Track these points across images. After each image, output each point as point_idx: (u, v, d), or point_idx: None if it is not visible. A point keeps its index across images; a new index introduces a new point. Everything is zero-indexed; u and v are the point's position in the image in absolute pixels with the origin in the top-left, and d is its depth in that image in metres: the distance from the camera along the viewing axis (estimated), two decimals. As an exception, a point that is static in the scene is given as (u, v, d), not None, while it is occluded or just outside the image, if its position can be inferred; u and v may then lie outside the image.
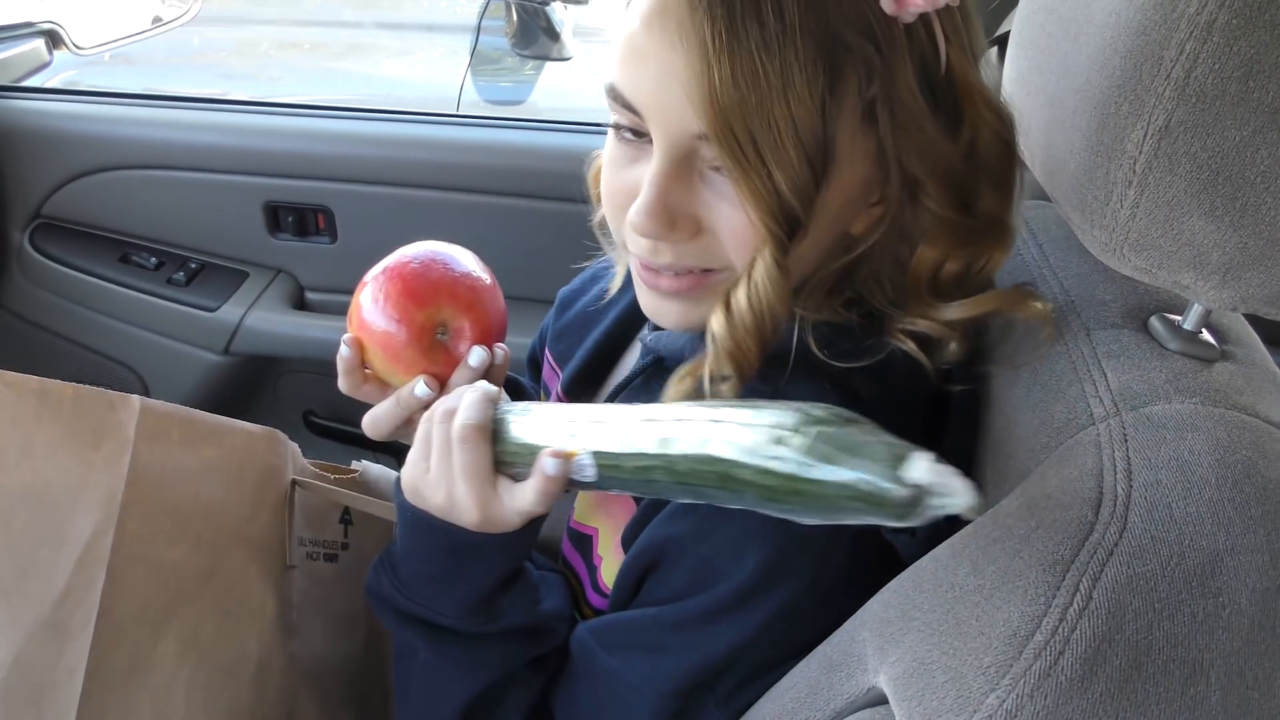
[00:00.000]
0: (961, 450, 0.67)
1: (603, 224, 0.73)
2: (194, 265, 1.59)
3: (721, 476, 0.52)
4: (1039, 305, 0.65)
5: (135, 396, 0.71)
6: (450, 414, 0.66)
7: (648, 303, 0.70)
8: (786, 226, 0.59)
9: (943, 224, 0.63)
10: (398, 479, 0.70)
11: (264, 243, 1.57)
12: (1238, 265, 0.52)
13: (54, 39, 1.61)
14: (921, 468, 0.44)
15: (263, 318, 1.55)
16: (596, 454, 0.60)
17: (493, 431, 0.65)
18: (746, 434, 0.51)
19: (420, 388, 0.73)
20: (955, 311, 0.65)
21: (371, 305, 0.73)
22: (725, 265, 0.65)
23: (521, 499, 0.64)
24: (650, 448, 0.56)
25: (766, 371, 0.64)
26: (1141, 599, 0.45)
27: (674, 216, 0.62)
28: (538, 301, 1.38)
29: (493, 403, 0.67)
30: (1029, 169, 0.67)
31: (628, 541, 0.69)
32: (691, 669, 0.64)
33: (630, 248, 0.67)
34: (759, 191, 0.58)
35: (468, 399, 0.66)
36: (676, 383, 0.66)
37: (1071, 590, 0.46)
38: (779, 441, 0.49)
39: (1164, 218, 0.52)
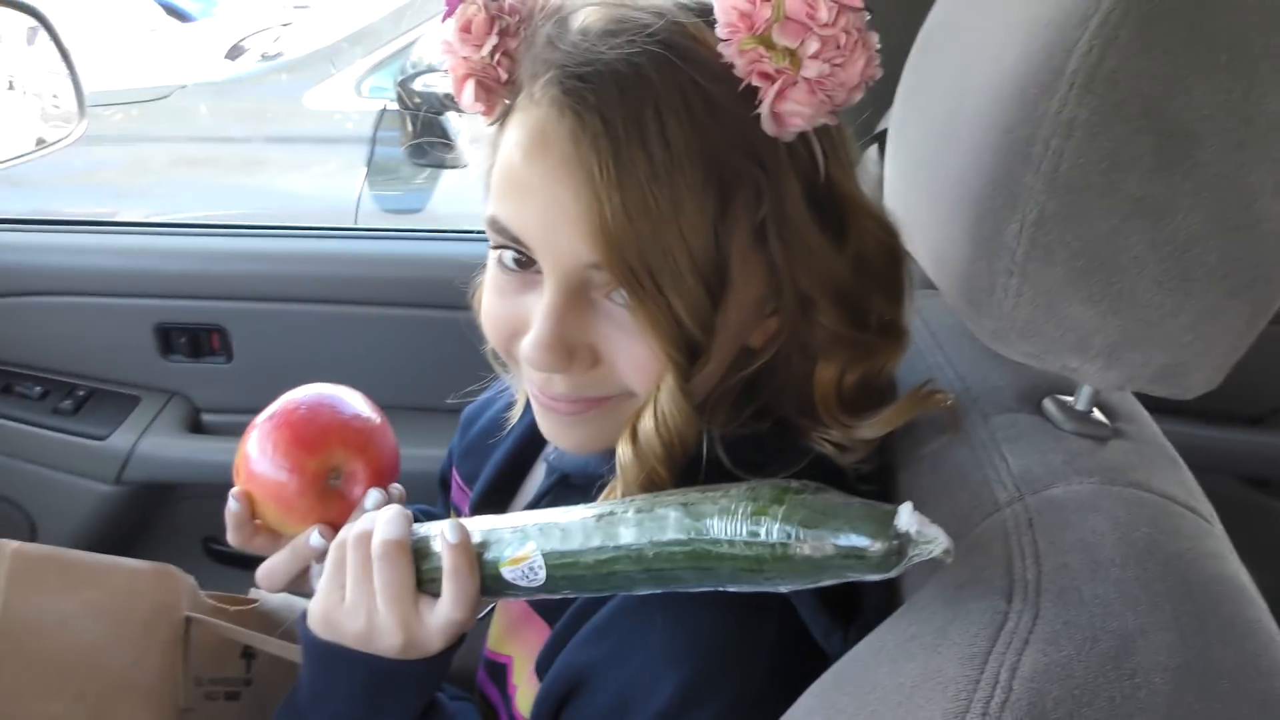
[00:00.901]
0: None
1: (494, 351, 0.71)
2: (81, 393, 1.53)
3: (696, 556, 0.53)
4: (942, 399, 0.66)
5: (5, 541, 0.67)
6: (365, 536, 0.64)
7: (547, 428, 0.68)
8: (688, 353, 0.59)
9: (838, 339, 0.63)
10: (302, 614, 0.68)
11: (156, 365, 1.52)
12: (1119, 347, 0.54)
13: (-70, 163, 1.56)
14: (908, 518, 0.48)
15: (156, 443, 1.49)
16: (549, 554, 0.59)
17: (414, 551, 0.64)
18: (723, 511, 0.53)
19: (315, 538, 0.70)
20: (870, 430, 0.64)
21: (260, 455, 0.72)
22: (624, 391, 0.63)
23: (442, 610, 0.62)
24: (611, 540, 0.56)
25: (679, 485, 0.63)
26: (1060, 687, 0.45)
27: (571, 348, 0.61)
28: (445, 412, 1.36)
29: (409, 521, 0.65)
30: (916, 261, 0.69)
31: (542, 668, 0.67)
32: None
33: (525, 376, 0.66)
34: (658, 319, 0.57)
35: (384, 517, 0.65)
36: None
37: (991, 683, 0.45)
38: (759, 514, 0.51)
39: (1046, 305, 0.54)
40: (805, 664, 0.59)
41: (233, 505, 0.73)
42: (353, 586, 0.64)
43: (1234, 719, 0.46)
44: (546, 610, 0.70)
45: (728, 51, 0.56)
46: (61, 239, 1.55)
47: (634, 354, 0.60)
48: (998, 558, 0.52)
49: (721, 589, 0.55)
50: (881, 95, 0.98)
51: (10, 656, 0.65)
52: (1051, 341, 0.55)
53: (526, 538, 0.60)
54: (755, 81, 0.56)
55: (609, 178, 0.55)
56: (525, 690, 0.70)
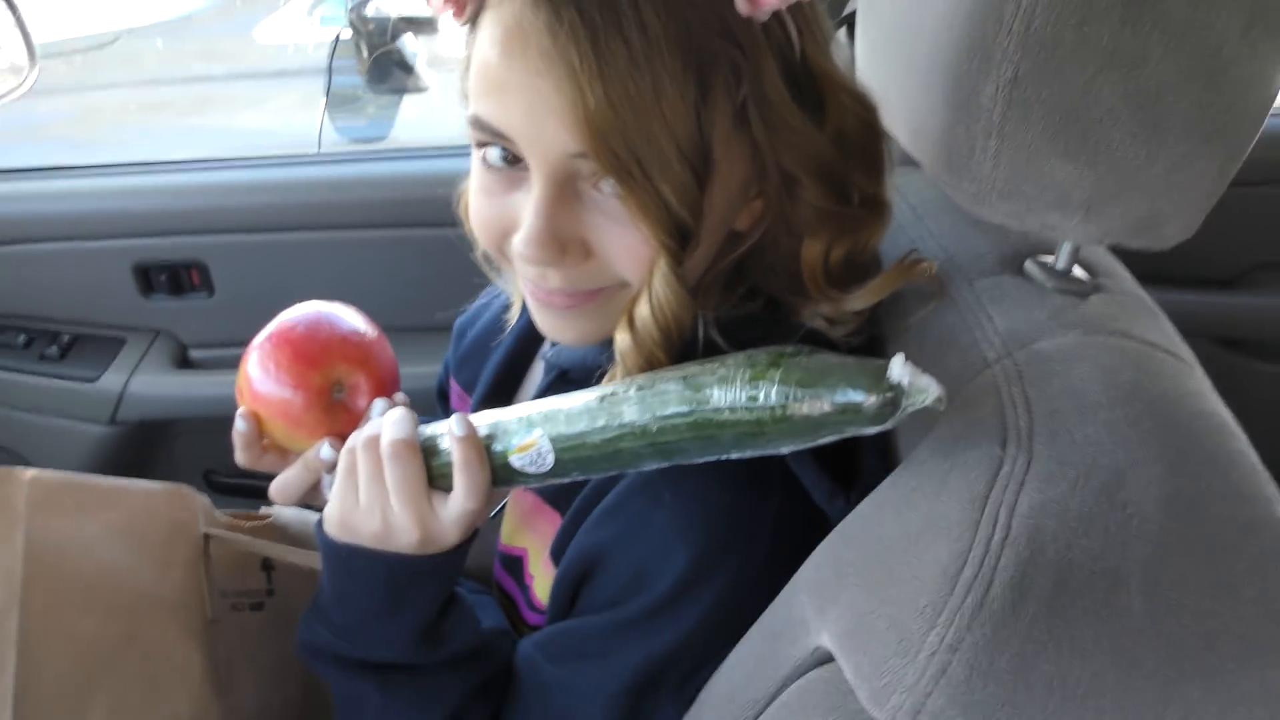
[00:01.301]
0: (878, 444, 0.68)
1: (486, 254, 0.72)
2: (66, 338, 1.53)
3: (698, 426, 0.55)
4: (927, 267, 0.67)
5: (21, 468, 0.69)
6: (374, 440, 0.66)
7: (544, 322, 0.69)
8: (679, 237, 0.60)
9: (822, 215, 0.64)
10: (318, 522, 0.69)
11: (138, 305, 1.52)
12: (1098, 200, 0.55)
13: (-118, 122, 1.53)
14: (900, 370, 0.50)
15: (147, 382, 1.50)
16: (555, 438, 0.61)
17: (422, 450, 0.65)
18: (722, 380, 0.54)
19: (325, 450, 0.72)
20: (858, 301, 0.66)
21: (263, 375, 0.72)
22: (618, 281, 0.65)
23: (455, 503, 0.64)
24: (615, 419, 0.58)
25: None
26: (1056, 521, 0.47)
27: (563, 242, 0.62)
28: (435, 330, 1.37)
29: (415, 421, 0.67)
30: (894, 139, 0.70)
31: (557, 554, 0.70)
32: (637, 668, 0.65)
33: (519, 273, 0.67)
34: (648, 206, 0.58)
35: (391, 418, 0.66)
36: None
37: (991, 522, 0.48)
38: (757, 379, 0.53)
39: (1024, 163, 0.55)
40: (810, 532, 0.62)
41: (240, 425, 0.73)
42: (366, 488, 0.65)
43: (1222, 542, 0.49)
44: (556, 499, 0.73)
45: None
46: (32, 185, 1.53)
47: (625, 242, 0.61)
48: (991, 410, 0.54)
49: (725, 456, 0.57)
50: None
51: (40, 577, 0.67)
52: (1031, 200, 0.56)
53: (532, 425, 0.62)
54: None
55: (590, 68, 0.55)
56: (542, 578, 0.73)
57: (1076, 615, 0.46)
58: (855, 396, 0.51)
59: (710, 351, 0.64)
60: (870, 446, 0.67)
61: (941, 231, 0.73)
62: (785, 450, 0.55)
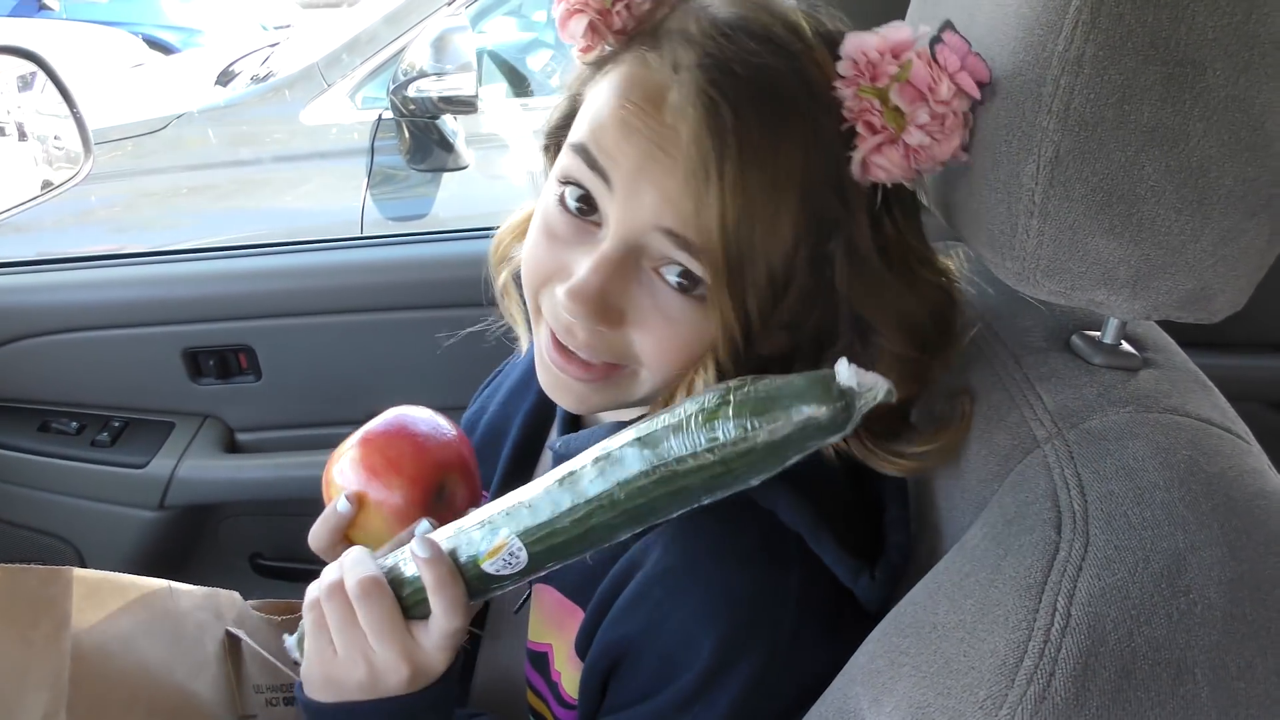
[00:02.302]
0: (896, 484, 0.69)
1: (505, 290, 0.73)
2: (117, 424, 1.56)
3: (665, 481, 0.55)
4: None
5: (66, 569, 0.69)
6: (338, 585, 0.64)
7: (547, 379, 0.69)
8: (742, 338, 0.62)
9: (897, 362, 0.64)
10: (298, 686, 0.68)
11: (187, 390, 1.55)
12: (1144, 276, 0.55)
13: (-55, 215, 1.58)
14: (846, 372, 0.51)
15: (195, 466, 1.52)
16: (524, 533, 0.60)
17: (390, 583, 0.64)
18: (676, 429, 0.54)
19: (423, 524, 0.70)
20: (908, 463, 0.64)
21: (367, 474, 0.72)
22: (635, 364, 0.65)
23: (436, 628, 0.62)
24: (580, 496, 0.58)
25: None
26: (1117, 608, 0.46)
27: (605, 305, 0.62)
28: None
29: (371, 556, 0.66)
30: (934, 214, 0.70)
31: (582, 649, 0.69)
32: None
33: (546, 317, 0.67)
34: (729, 308, 0.60)
35: (348, 561, 0.65)
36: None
37: (1050, 610, 0.47)
38: (710, 419, 0.53)
39: (1069, 241, 0.55)
40: (835, 604, 0.62)
41: (342, 507, 0.72)
42: (341, 637, 0.63)
43: (1289, 627, 0.47)
44: (576, 593, 0.72)
45: (844, 91, 0.59)
46: (83, 274, 1.57)
47: (661, 333, 0.63)
48: (1043, 492, 0.53)
49: (698, 504, 0.56)
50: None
51: (85, 678, 0.67)
52: (1077, 277, 0.56)
53: (496, 527, 0.61)
54: (860, 128, 0.59)
55: (727, 178, 0.58)
56: (569, 674, 0.72)
57: (1142, 707, 0.45)
58: (810, 410, 0.51)
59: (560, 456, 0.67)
60: (895, 523, 0.67)
61: (985, 307, 0.72)
62: (755, 481, 0.54)
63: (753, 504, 0.63)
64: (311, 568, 0.75)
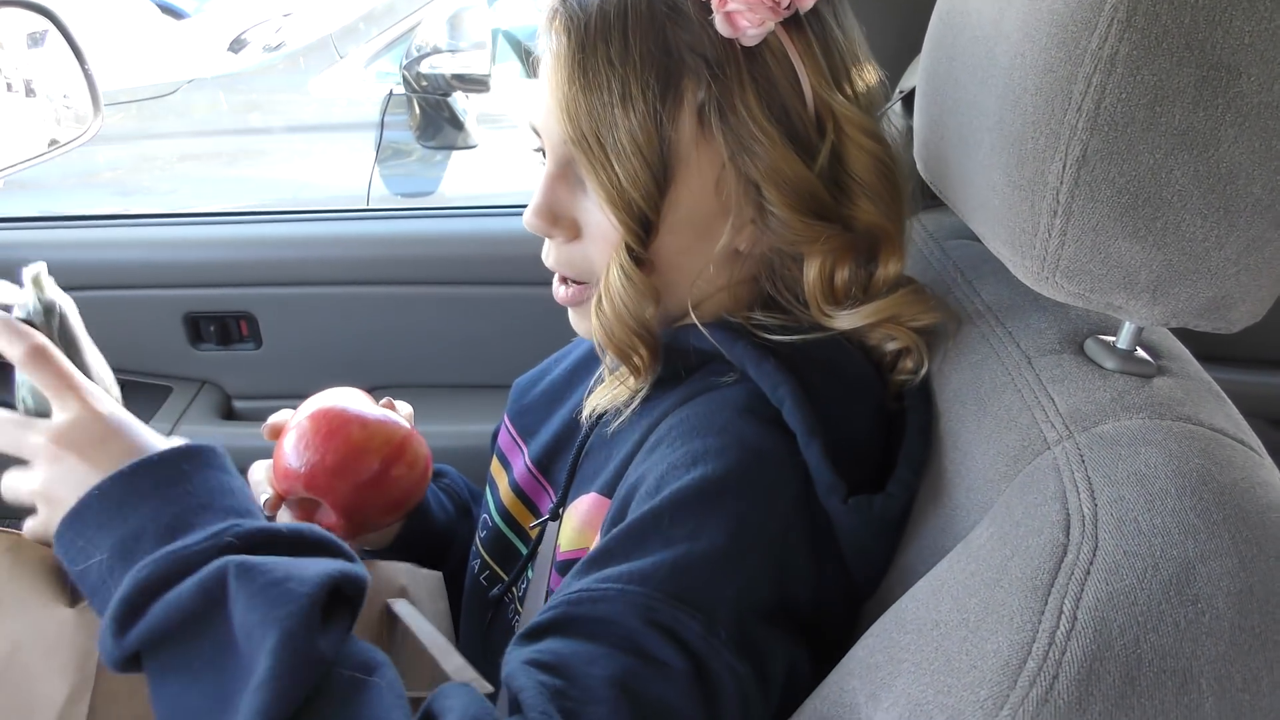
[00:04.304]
0: (915, 461, 0.69)
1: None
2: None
3: None
4: (929, 306, 0.72)
5: None
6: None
7: (570, 320, 0.78)
8: (637, 223, 0.68)
9: (812, 235, 0.69)
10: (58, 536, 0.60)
11: (186, 355, 1.54)
12: (1165, 282, 0.54)
13: (-50, 169, 1.57)
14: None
15: (191, 432, 1.51)
16: None
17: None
18: None
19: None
20: (845, 320, 0.71)
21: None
22: (595, 277, 0.72)
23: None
24: None
25: (701, 366, 0.73)
26: (1124, 614, 0.45)
27: (556, 215, 0.72)
28: (477, 387, 1.37)
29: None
30: (956, 212, 0.70)
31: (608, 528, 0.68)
32: (662, 578, 0.58)
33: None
34: (606, 185, 0.67)
35: None
36: (601, 390, 0.76)
37: (1056, 613, 0.46)
38: None
39: (1091, 243, 0.54)
40: (820, 526, 0.65)
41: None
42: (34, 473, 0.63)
43: (1297, 640, 0.47)
44: (608, 489, 0.73)
45: None
46: (86, 234, 1.57)
47: (599, 225, 0.70)
48: (1052, 494, 0.53)
49: None
50: (904, 53, 0.98)
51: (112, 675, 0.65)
52: (1097, 279, 0.55)
53: None
54: None
55: (577, 64, 0.66)
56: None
57: (1145, 714, 0.45)
58: None
59: (703, 360, 0.72)
60: (906, 461, 0.69)
61: (999, 305, 0.72)
62: None
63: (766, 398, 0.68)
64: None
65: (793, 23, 0.67)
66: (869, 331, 0.72)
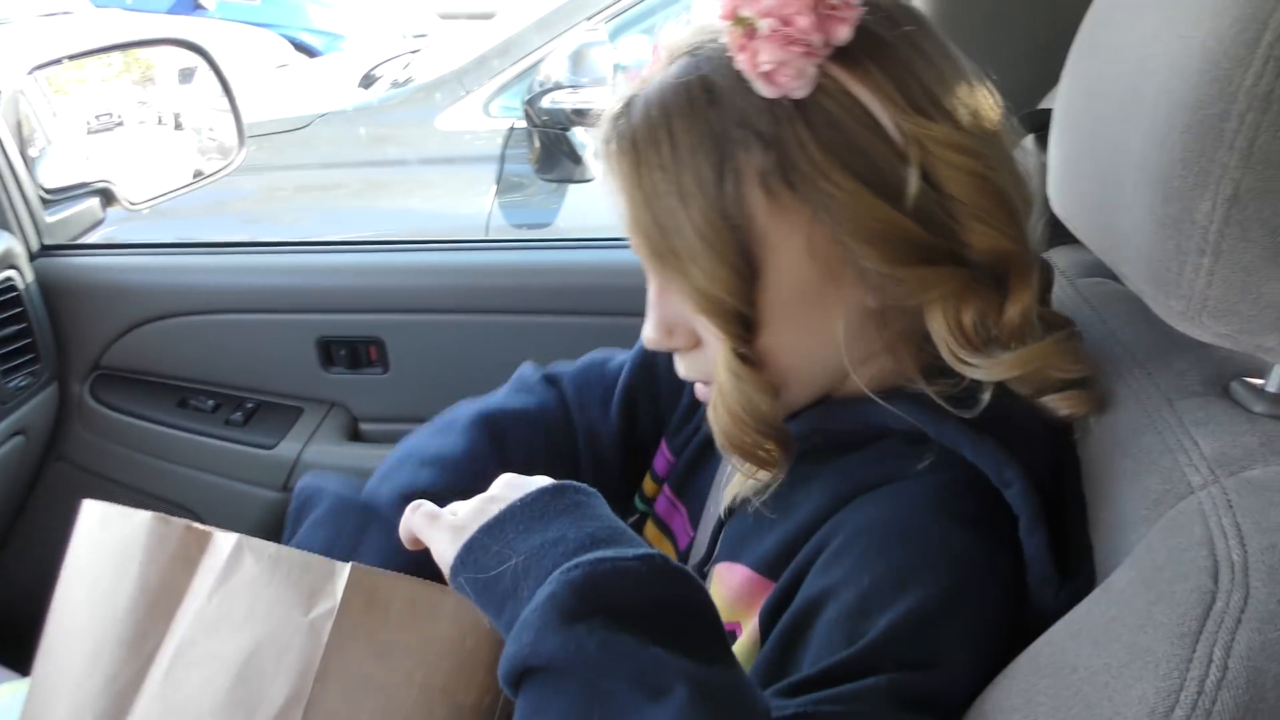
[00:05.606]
0: (1078, 517, 0.66)
1: None
2: (250, 405, 1.62)
3: None
4: (1077, 358, 0.66)
5: (348, 565, 0.66)
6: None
7: None
8: (733, 321, 0.65)
9: (916, 282, 0.64)
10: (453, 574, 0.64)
11: (317, 377, 1.60)
12: (1320, 324, 0.52)
13: (107, 197, 1.67)
14: None
15: (319, 451, 1.57)
16: None
17: None
18: None
19: None
20: (987, 371, 0.64)
21: None
22: None
23: None
24: None
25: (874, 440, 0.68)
26: (1279, 666, 0.44)
27: (671, 329, 0.70)
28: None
29: None
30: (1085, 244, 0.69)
31: (768, 621, 0.65)
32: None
33: None
34: (690, 292, 0.65)
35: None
36: (740, 479, 0.73)
37: (1205, 661, 0.45)
38: None
39: (1241, 283, 0.53)
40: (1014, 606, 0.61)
41: None
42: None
43: None
44: (769, 569, 0.69)
45: (726, 40, 0.64)
46: (227, 259, 1.65)
47: (710, 343, 0.68)
48: (1198, 540, 0.51)
49: None
50: (1040, 81, 0.97)
51: (334, 677, 0.65)
52: (1247, 320, 0.54)
53: None
54: (735, 55, 0.63)
55: (634, 181, 0.65)
56: (745, 648, 0.68)
57: (1300, 770, 0.43)
58: None
59: (876, 434, 0.68)
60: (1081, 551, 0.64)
61: (1137, 347, 0.70)
62: None
63: (974, 478, 0.63)
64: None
65: (846, 58, 0.63)
66: (1027, 387, 0.66)
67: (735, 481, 0.74)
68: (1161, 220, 0.55)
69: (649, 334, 0.70)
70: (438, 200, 2.99)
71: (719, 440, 0.69)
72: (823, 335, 0.67)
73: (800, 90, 0.62)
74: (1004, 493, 0.62)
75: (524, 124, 2.76)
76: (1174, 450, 0.59)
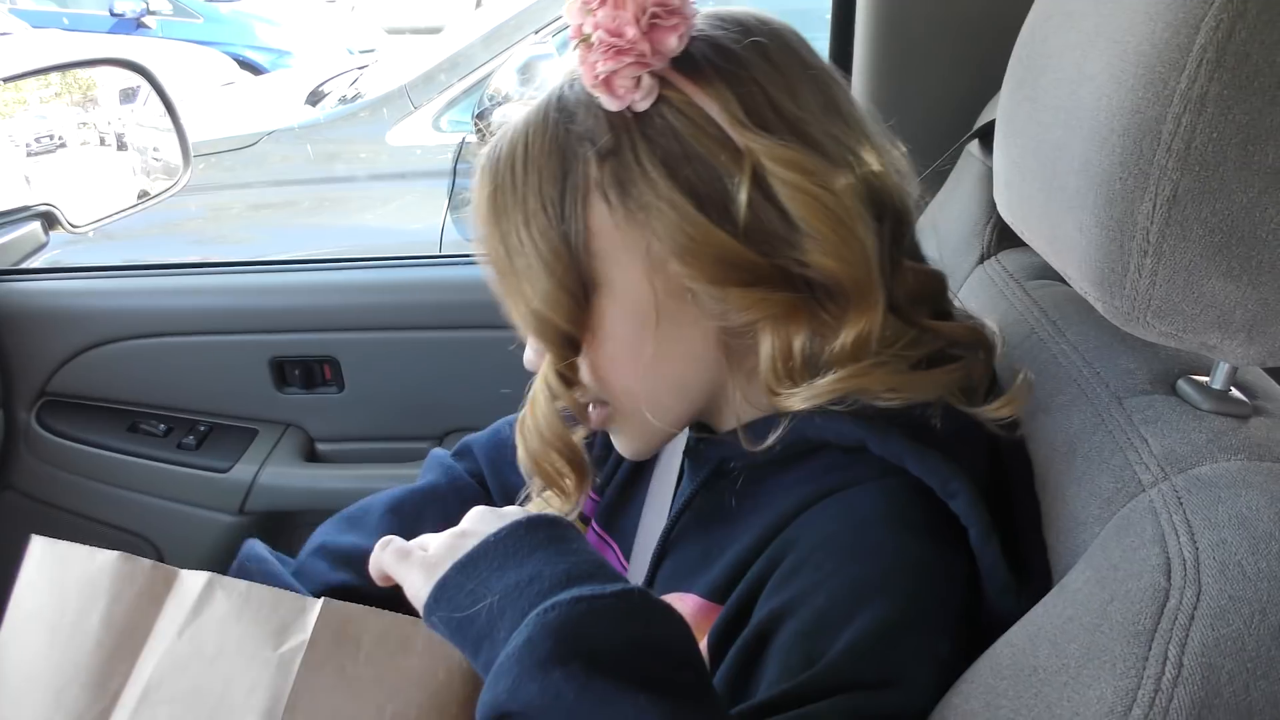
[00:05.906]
0: (1030, 517, 0.66)
1: None
2: (203, 428, 1.59)
3: None
4: (892, 384, 0.63)
5: (320, 600, 0.65)
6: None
7: None
8: (558, 343, 0.65)
9: (739, 303, 0.63)
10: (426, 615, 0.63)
11: (271, 398, 1.58)
12: (1261, 321, 0.53)
13: (50, 220, 1.63)
14: None
15: (276, 473, 1.55)
16: None
17: None
18: None
19: None
20: (795, 401, 0.63)
21: None
22: (610, 394, 0.69)
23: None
24: None
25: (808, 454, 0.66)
26: (1233, 660, 0.45)
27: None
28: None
29: None
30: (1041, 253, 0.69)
31: (718, 644, 0.64)
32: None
33: None
34: (522, 310, 0.66)
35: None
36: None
37: (1160, 659, 0.45)
38: None
39: (1184, 282, 0.53)
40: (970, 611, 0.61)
41: None
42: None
43: None
44: (717, 594, 0.67)
45: (579, 63, 0.64)
46: (177, 281, 1.62)
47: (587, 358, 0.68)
48: (1150, 537, 0.52)
49: None
50: (979, 90, 0.99)
51: (301, 710, 0.63)
52: (1190, 319, 0.55)
53: None
54: (581, 70, 0.63)
55: (488, 197, 0.66)
56: None
57: (1256, 764, 0.43)
58: None
59: (808, 448, 0.65)
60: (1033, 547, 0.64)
61: (1085, 346, 0.71)
62: None
63: (920, 489, 0.62)
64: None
65: (691, 68, 0.63)
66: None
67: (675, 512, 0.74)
68: (1104, 223, 0.56)
69: (530, 355, 0.71)
70: (390, 217, 2.97)
71: (522, 461, 0.71)
72: (677, 354, 0.67)
73: (641, 101, 0.63)
74: (950, 504, 0.61)
75: (475, 138, 2.74)
76: (1124, 449, 0.60)
